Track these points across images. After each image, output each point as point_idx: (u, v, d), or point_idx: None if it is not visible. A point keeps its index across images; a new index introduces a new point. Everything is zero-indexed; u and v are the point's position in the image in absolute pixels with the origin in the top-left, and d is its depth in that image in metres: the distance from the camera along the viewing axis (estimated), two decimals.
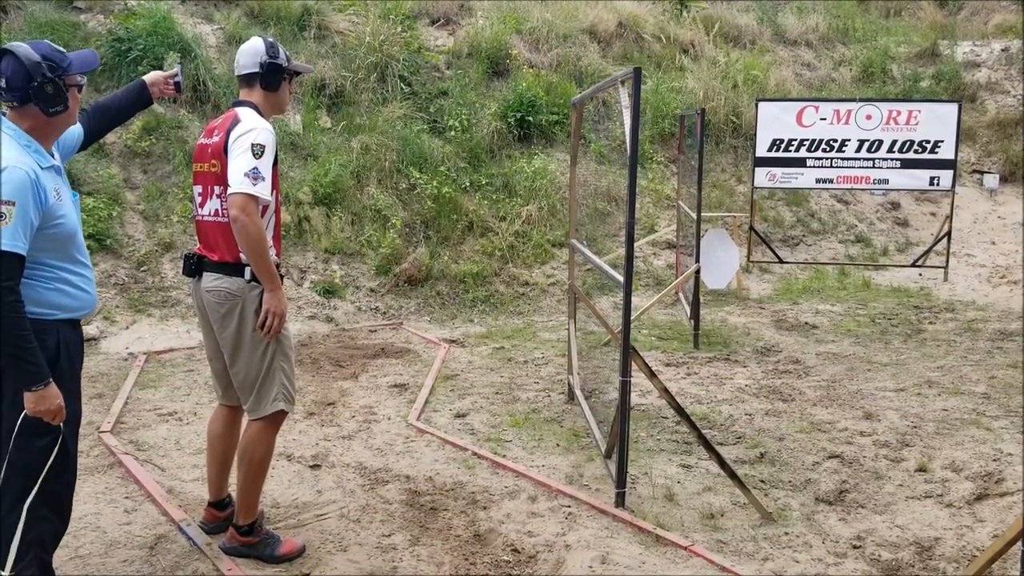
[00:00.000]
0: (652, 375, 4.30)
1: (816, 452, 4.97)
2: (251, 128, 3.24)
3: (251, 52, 3.43)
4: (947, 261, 10.11)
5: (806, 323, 8.26)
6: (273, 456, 4.61)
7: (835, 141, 9.54)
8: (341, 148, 9.40)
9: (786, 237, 11.20)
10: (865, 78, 13.43)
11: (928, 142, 9.48)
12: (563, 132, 10.75)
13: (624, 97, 4.26)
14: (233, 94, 9.36)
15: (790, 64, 13.53)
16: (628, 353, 4.08)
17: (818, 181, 9.77)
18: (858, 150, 9.55)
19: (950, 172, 9.59)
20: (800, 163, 9.62)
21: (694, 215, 7.80)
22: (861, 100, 9.94)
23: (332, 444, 4.92)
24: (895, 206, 12.54)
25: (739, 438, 5.21)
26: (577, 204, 6.48)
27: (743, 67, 12.41)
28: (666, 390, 4.31)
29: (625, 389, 4.09)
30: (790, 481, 4.59)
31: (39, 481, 2.68)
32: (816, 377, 6.49)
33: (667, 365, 6.81)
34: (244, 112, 3.36)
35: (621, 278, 4.19)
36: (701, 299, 7.71)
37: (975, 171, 13.81)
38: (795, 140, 9.58)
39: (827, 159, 9.60)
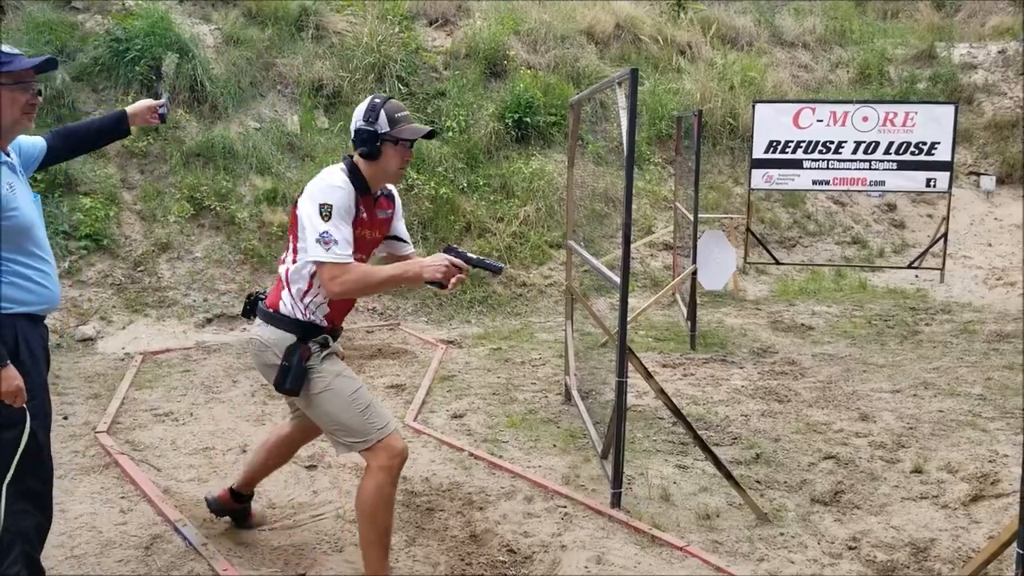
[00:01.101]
0: (648, 376, 4.31)
1: (812, 453, 4.98)
2: (319, 186, 3.06)
3: (355, 116, 3.20)
4: (943, 263, 10.13)
5: (802, 324, 8.27)
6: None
7: (832, 143, 9.55)
8: (338, 149, 9.40)
9: (783, 239, 11.22)
10: (862, 80, 13.45)
11: (925, 144, 9.49)
12: (561, 133, 10.76)
13: (621, 98, 4.26)
14: (232, 94, 9.37)
15: (787, 66, 13.56)
16: (625, 354, 4.09)
17: (815, 183, 9.78)
18: (855, 152, 9.57)
19: (947, 174, 9.61)
20: (797, 165, 9.63)
21: (691, 216, 7.81)
22: (858, 102, 9.95)
23: (328, 445, 4.92)
24: (891, 208, 12.56)
25: (735, 439, 5.22)
26: (574, 205, 6.48)
27: (740, 69, 12.43)
28: (662, 391, 4.32)
29: (621, 390, 4.10)
30: (786, 482, 4.60)
31: (11, 475, 2.68)
32: (812, 378, 6.50)
33: (664, 366, 6.81)
34: (331, 168, 3.18)
35: (618, 279, 4.20)
36: (698, 300, 7.72)
37: (972, 173, 13.83)
38: (792, 142, 9.59)
39: (824, 161, 9.61)
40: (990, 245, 11.93)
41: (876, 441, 5.14)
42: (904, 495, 4.44)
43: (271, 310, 3.19)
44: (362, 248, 3.21)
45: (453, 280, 3.09)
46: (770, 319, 8.46)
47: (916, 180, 9.67)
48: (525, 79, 10.86)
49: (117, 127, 3.37)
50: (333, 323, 3.26)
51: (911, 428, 5.37)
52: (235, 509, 3.80)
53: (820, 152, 9.59)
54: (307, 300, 3.17)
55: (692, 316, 7.52)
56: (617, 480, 4.15)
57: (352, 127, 3.19)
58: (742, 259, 9.99)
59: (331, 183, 3.05)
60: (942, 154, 9.51)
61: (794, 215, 11.61)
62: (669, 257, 10.07)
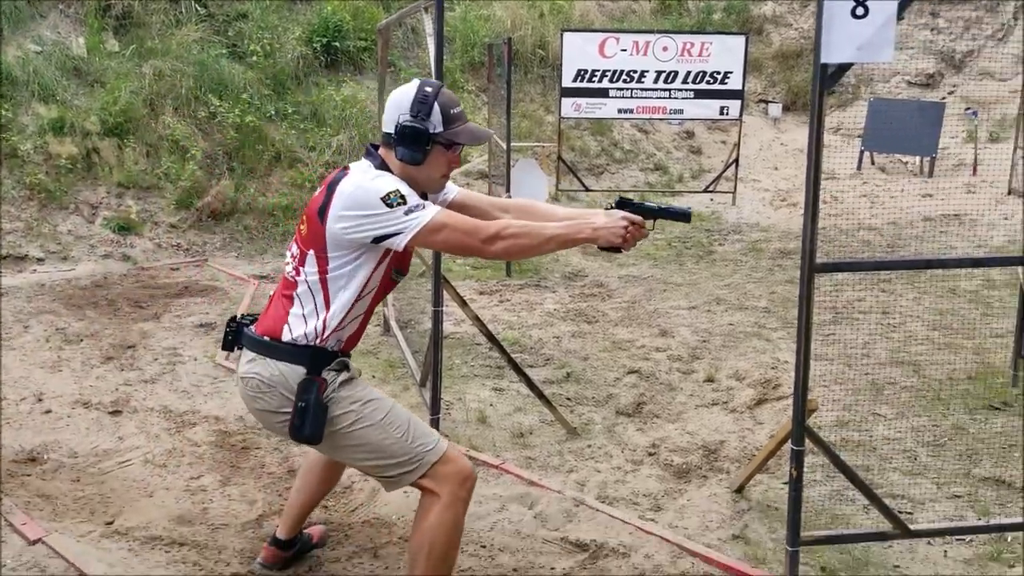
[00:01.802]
0: (464, 304, 4.40)
1: (617, 369, 5.30)
2: (363, 186, 2.45)
3: (394, 104, 2.56)
4: (735, 186, 10.86)
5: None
6: (74, 405, 4.41)
7: (635, 72, 9.92)
8: (131, 74, 8.74)
9: (591, 166, 11.61)
10: (663, 10, 13.96)
11: (719, 73, 10.04)
12: (372, 59, 10.50)
13: (429, 24, 4.22)
14: (7, 14, 8.44)
15: None
16: (440, 283, 4.15)
17: (620, 111, 10.15)
18: (656, 81, 9.98)
19: (738, 102, 10.24)
20: (603, 93, 9.94)
21: (504, 145, 7.92)
22: (658, 32, 10.35)
23: (133, 388, 4.71)
24: (690, 135, 13.27)
25: (548, 360, 5.46)
26: None
27: None
28: (477, 318, 4.43)
29: (437, 319, 4.17)
30: (593, 397, 4.88)
31: None
32: (618, 299, 6.86)
33: (481, 293, 6.96)
34: (363, 168, 2.55)
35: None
36: None
37: (761, 101, 14.80)
38: (598, 71, 9.86)
39: (628, 90, 9.97)
40: (776, 169, 12.90)
41: (674, 355, 5.53)
42: (698, 403, 4.84)
43: (270, 339, 2.53)
44: (401, 261, 2.64)
45: (632, 240, 2.59)
46: (581, 245, 8.78)
47: (711, 108, 10.25)
48: (333, 1, 10.46)
49: None
50: (347, 348, 2.65)
51: (704, 341, 5.82)
52: (289, 557, 3.09)
53: (624, 81, 9.93)
54: (329, 325, 2.53)
55: None
56: (435, 406, 4.25)
57: (391, 119, 2.54)
58: (554, 186, 10.27)
59: (377, 177, 2.48)
60: (734, 83, 10.11)
61: (602, 143, 12.02)
62: (485, 186, 10.18)
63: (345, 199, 2.43)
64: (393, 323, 5.73)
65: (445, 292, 4.22)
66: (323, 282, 2.51)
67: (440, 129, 2.53)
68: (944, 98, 13.93)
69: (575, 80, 9.88)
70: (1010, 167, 10.79)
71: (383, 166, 2.55)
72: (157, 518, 3.33)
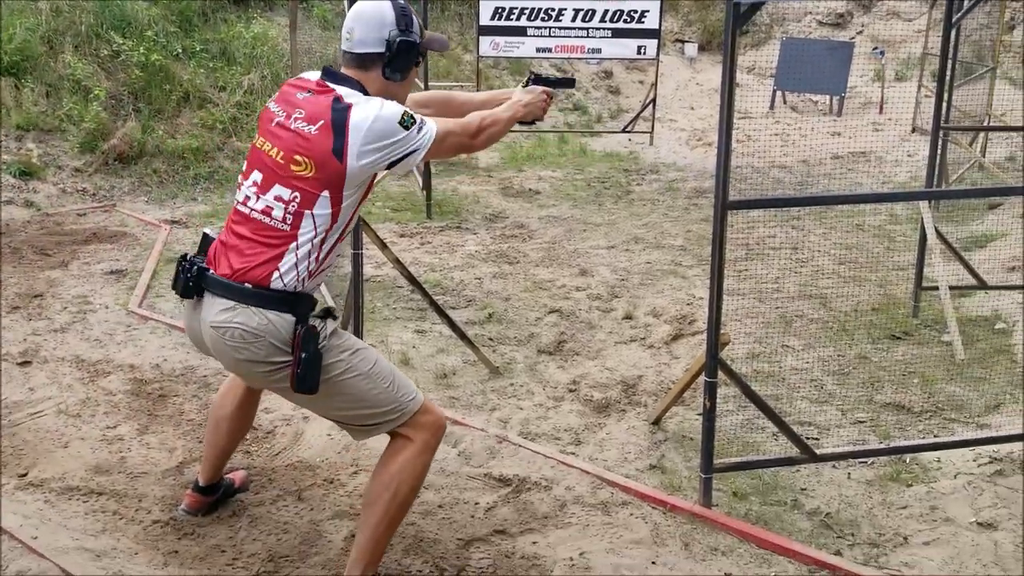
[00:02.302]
0: (384, 246, 4.38)
1: (538, 309, 5.37)
2: (375, 113, 2.38)
3: (374, 21, 2.48)
4: (652, 126, 10.96)
5: (530, 189, 8.68)
6: None
7: (552, 10, 9.82)
8: (26, 10, 8.25)
9: None
10: None
11: (636, 12, 10.02)
12: None
13: None
14: None
15: None
16: (359, 226, 4.11)
17: (538, 50, 10.06)
18: (574, 19, 9.91)
19: (655, 41, 10.26)
20: (521, 32, 9.84)
21: (422, 86, 7.79)
22: None
23: (43, 338, 4.56)
24: (608, 75, 13.29)
25: (470, 301, 5.49)
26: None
27: None
28: (398, 260, 4.42)
29: (357, 262, 4.14)
30: (515, 337, 4.94)
31: None
32: (539, 240, 6.91)
33: (401, 236, 6.92)
34: (353, 95, 2.43)
35: None
36: (433, 170, 7.83)
37: (677, 40, 14.88)
38: (516, 9, 9.73)
39: (546, 28, 9.88)
40: (692, 108, 13.05)
41: (594, 293, 5.62)
42: (617, 339, 4.95)
43: (254, 286, 2.39)
44: (371, 187, 2.59)
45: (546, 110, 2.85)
46: (501, 185, 8.78)
47: (628, 47, 10.24)
48: None
49: None
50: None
51: (623, 280, 5.93)
52: (214, 501, 3.06)
53: (542, 20, 9.83)
54: (318, 268, 2.48)
55: (427, 185, 7.63)
56: None
57: (373, 37, 2.46)
58: None
59: (383, 103, 2.41)
60: (651, 22, 10.11)
61: (521, 82, 11.92)
62: None
63: (366, 133, 2.35)
64: None
65: (364, 235, 4.19)
66: (333, 222, 2.43)
67: (420, 39, 2.53)
68: (853, 38, 14.26)
69: (493, 18, 9.74)
70: (914, 106, 11.17)
71: (363, 90, 2.46)
72: (73, 468, 3.27)
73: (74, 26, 8.40)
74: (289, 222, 2.40)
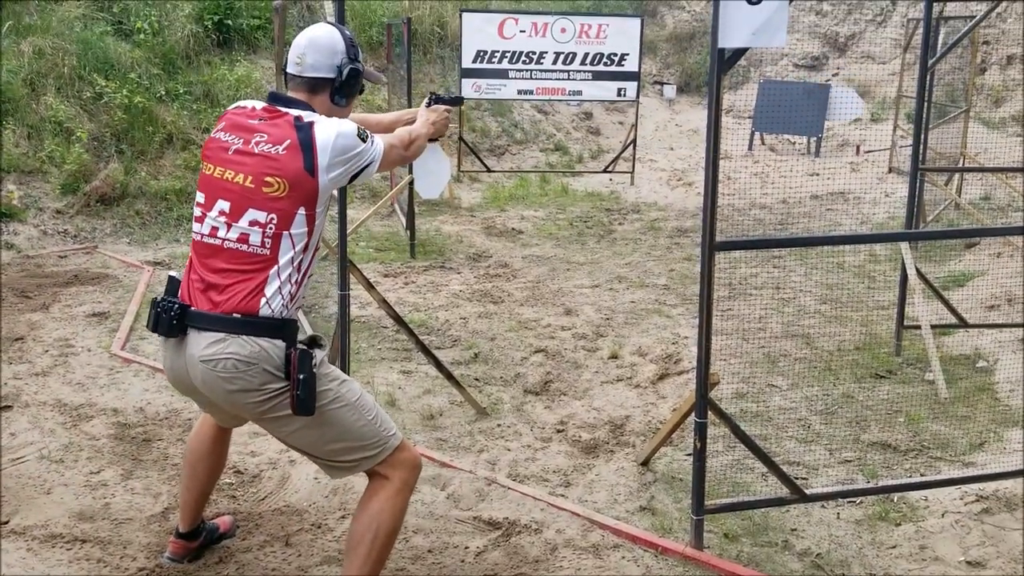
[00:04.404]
0: (370, 286, 4.37)
1: (524, 348, 5.37)
2: (334, 130, 2.47)
3: (327, 48, 2.60)
4: (633, 166, 11.08)
5: (513, 228, 8.73)
6: None
7: (534, 53, 9.95)
8: (8, 52, 8.26)
9: (493, 147, 11.63)
10: None
11: (616, 55, 10.17)
12: (267, 38, 10.23)
13: (328, 3, 4.15)
14: None
15: None
16: (346, 266, 4.11)
17: (520, 92, 10.17)
18: (555, 62, 10.05)
19: (635, 83, 10.41)
20: (503, 74, 9.95)
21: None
22: (556, 14, 10.41)
23: (24, 382, 4.50)
24: (588, 116, 13.45)
25: (455, 341, 5.48)
26: None
27: None
28: (384, 300, 4.41)
29: (344, 302, 4.13)
30: (501, 377, 4.93)
31: None
32: (523, 279, 6.93)
33: (385, 276, 6.92)
34: (310, 114, 2.52)
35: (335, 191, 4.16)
36: (416, 209, 7.86)
37: (656, 82, 15.10)
38: (498, 52, 9.85)
39: (527, 71, 10.00)
40: (672, 149, 13.22)
41: (579, 333, 5.64)
42: (603, 379, 4.95)
43: (243, 315, 2.39)
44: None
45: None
46: (484, 225, 8.82)
47: (608, 89, 10.38)
48: None
49: None
50: None
51: (608, 319, 5.95)
52: (198, 546, 3.02)
53: (524, 62, 9.96)
54: (298, 291, 2.51)
55: (411, 225, 7.66)
56: None
57: (326, 63, 2.58)
58: (456, 168, 10.25)
59: (339, 120, 2.53)
60: (630, 65, 10.27)
61: (503, 124, 12.05)
62: None
63: (332, 149, 2.44)
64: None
65: (351, 275, 4.19)
66: (308, 239, 2.49)
67: (363, 69, 2.70)
68: (829, 79, 14.53)
69: (475, 61, 9.85)
70: (890, 146, 11.37)
71: (312, 112, 2.54)
72: (56, 515, 3.21)
73: (56, 68, 8.41)
74: (268, 246, 2.43)
